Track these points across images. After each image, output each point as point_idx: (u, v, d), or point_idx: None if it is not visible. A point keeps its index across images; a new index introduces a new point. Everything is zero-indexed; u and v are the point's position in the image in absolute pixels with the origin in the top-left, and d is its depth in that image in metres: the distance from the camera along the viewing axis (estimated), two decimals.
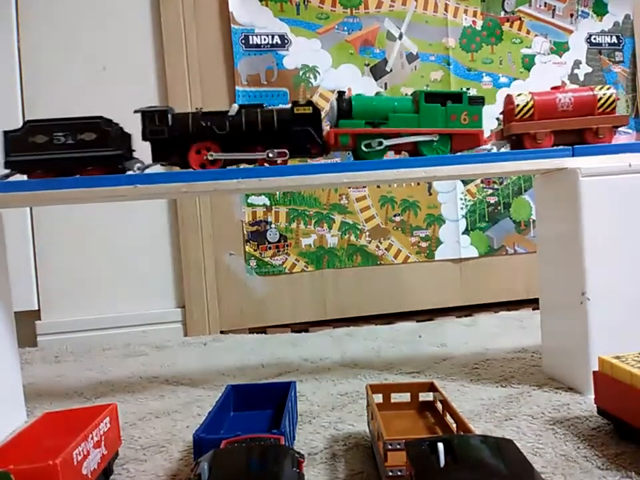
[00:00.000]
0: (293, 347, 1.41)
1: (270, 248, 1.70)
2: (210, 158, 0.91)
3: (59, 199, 0.95)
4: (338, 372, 1.14)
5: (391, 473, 0.54)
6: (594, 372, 0.76)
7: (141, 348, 1.49)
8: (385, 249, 1.74)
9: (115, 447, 0.72)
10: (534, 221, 1.75)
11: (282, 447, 0.45)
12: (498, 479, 0.38)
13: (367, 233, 1.73)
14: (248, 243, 1.69)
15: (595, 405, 0.77)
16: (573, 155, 0.95)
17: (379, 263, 1.73)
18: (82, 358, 1.42)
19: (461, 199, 1.77)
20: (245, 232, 1.69)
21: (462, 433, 0.57)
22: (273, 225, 1.70)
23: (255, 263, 1.69)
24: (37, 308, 1.61)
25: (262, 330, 1.68)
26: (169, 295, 1.67)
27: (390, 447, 0.53)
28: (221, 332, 1.66)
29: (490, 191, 1.78)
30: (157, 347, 1.49)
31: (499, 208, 1.79)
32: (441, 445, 0.41)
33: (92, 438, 0.65)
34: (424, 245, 1.75)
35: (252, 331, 1.67)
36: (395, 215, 1.74)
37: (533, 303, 1.71)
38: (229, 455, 0.43)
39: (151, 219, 1.65)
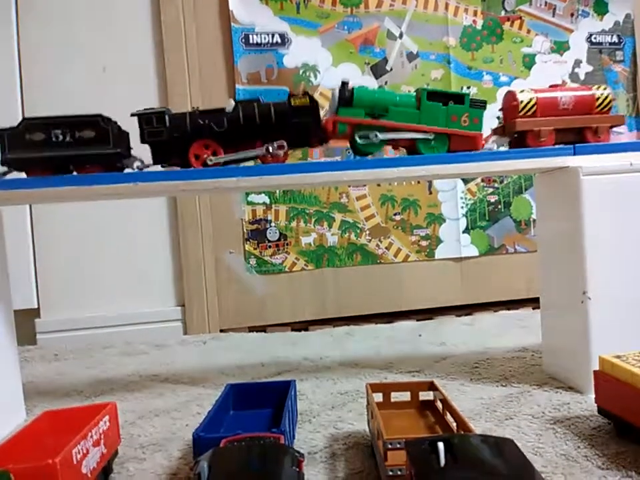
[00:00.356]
0: (292, 346, 1.41)
1: (270, 247, 1.70)
2: (209, 163, 0.91)
3: (58, 197, 0.94)
4: (338, 371, 1.14)
5: (391, 472, 0.54)
6: (594, 371, 0.76)
7: (140, 346, 1.48)
8: (385, 248, 1.73)
9: (115, 445, 0.72)
10: (534, 220, 1.74)
11: (282, 445, 0.45)
12: (498, 478, 0.38)
13: (367, 232, 1.73)
14: (248, 242, 1.69)
15: (596, 405, 0.77)
16: (574, 154, 0.95)
17: (379, 261, 1.73)
18: (81, 356, 1.42)
19: (462, 198, 1.76)
20: (245, 230, 1.68)
21: (462, 432, 0.56)
22: (272, 224, 1.70)
23: (254, 262, 1.69)
24: (36, 306, 1.61)
25: (262, 328, 1.67)
26: (168, 294, 1.67)
27: (390, 446, 0.53)
28: (221, 330, 1.66)
29: (490, 190, 1.78)
30: (157, 346, 1.49)
31: (500, 207, 1.78)
32: (441, 445, 0.41)
33: (91, 436, 0.64)
34: (424, 243, 1.75)
35: (252, 329, 1.67)
36: (395, 214, 1.74)
37: (533, 302, 1.70)
38: (228, 453, 0.42)
39: (150, 217, 1.65)
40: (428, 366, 1.14)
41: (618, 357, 0.74)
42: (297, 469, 0.41)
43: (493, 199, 1.78)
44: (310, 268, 1.70)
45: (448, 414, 0.68)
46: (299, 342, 1.46)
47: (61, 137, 0.90)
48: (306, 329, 1.66)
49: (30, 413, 0.98)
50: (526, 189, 1.79)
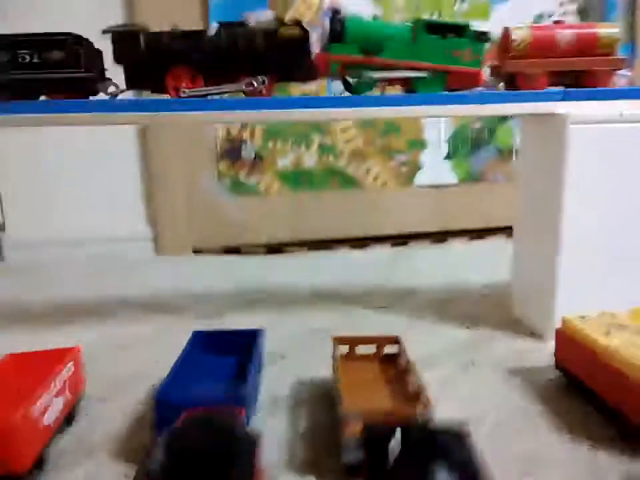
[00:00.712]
0: (265, 271, 1.41)
1: (245, 166, 1.65)
2: (183, 95, 0.84)
3: (22, 123, 0.88)
4: (308, 304, 1.15)
5: (347, 440, 0.55)
6: (557, 330, 0.77)
7: (111, 266, 1.47)
8: (364, 172, 1.70)
9: (79, 391, 0.72)
10: (517, 149, 1.71)
11: (238, 431, 0.44)
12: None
13: (346, 155, 1.68)
14: (221, 161, 1.63)
15: (554, 359, 0.79)
16: (563, 99, 0.90)
17: (357, 186, 1.70)
18: (49, 277, 1.40)
19: (445, 124, 1.71)
20: (219, 149, 1.62)
21: (419, 413, 0.57)
22: (248, 143, 1.63)
23: (229, 182, 1.65)
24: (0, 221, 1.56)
25: (236, 250, 1.66)
26: (139, 213, 1.63)
27: (349, 418, 0.54)
28: (194, 251, 1.65)
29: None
30: (128, 267, 1.48)
31: (483, 134, 1.74)
32: (396, 439, 0.41)
33: (55, 386, 0.64)
34: (404, 169, 1.71)
35: (226, 250, 1.66)
36: (375, 138, 1.68)
37: (509, 230, 1.71)
38: (183, 439, 0.42)
39: (118, 133, 1.57)
40: (397, 301, 1.15)
41: (581, 317, 0.75)
42: (252, 463, 0.41)
43: (477, 125, 1.72)
44: (286, 190, 1.67)
45: (409, 373, 0.69)
46: (271, 267, 1.46)
47: (28, 59, 0.82)
48: (280, 251, 1.66)
49: None
50: (511, 118, 1.74)
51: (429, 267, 1.43)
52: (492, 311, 1.09)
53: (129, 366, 0.87)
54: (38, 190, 1.57)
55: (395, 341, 0.75)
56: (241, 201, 1.67)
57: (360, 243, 1.71)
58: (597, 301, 0.83)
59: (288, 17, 1.16)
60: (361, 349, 0.77)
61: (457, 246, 1.68)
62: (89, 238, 1.57)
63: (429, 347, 0.91)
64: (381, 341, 0.76)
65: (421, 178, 1.73)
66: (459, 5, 1.64)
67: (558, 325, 0.78)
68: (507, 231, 1.71)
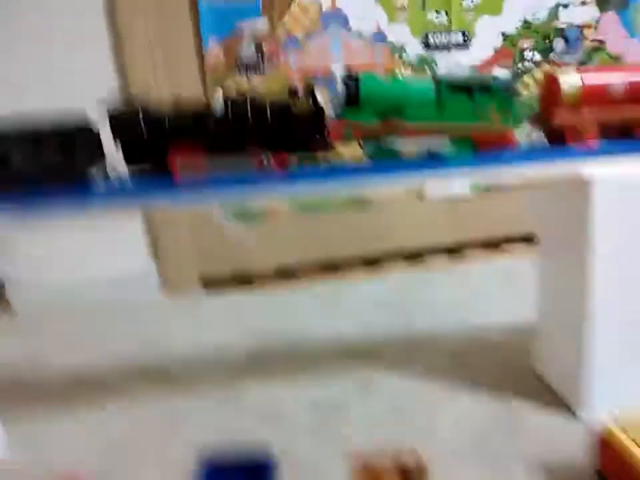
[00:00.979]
0: (276, 318, 1.35)
1: None
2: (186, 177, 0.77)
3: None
4: (319, 364, 1.09)
5: None
6: (599, 437, 0.71)
7: (117, 316, 1.41)
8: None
9: None
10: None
11: None
12: None
13: None
14: None
15: (595, 465, 0.72)
16: (590, 156, 0.81)
17: (366, 202, 1.62)
18: (52, 330, 1.36)
19: None
20: None
21: None
22: None
23: (234, 207, 1.57)
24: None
25: (246, 278, 1.60)
26: (143, 249, 1.56)
27: None
28: (202, 281, 1.59)
29: None
30: (134, 317, 1.41)
31: None
32: None
33: None
34: None
35: (235, 278, 1.60)
36: None
37: (528, 240, 1.62)
38: None
39: None
40: (413, 354, 1.10)
41: (623, 430, 0.68)
42: None
43: None
44: (293, 211, 1.59)
45: None
46: (282, 308, 1.40)
47: (22, 152, 0.73)
48: (293, 276, 1.60)
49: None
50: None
51: (445, 302, 1.34)
52: (513, 366, 1.02)
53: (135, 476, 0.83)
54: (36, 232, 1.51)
55: (415, 457, 0.70)
56: (247, 226, 1.60)
57: (373, 260, 1.63)
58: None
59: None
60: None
61: (475, 268, 1.58)
62: (92, 280, 1.51)
63: (447, 431, 0.86)
64: (399, 457, 0.70)
65: (434, 188, 1.64)
66: None
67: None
68: (527, 240, 1.63)
